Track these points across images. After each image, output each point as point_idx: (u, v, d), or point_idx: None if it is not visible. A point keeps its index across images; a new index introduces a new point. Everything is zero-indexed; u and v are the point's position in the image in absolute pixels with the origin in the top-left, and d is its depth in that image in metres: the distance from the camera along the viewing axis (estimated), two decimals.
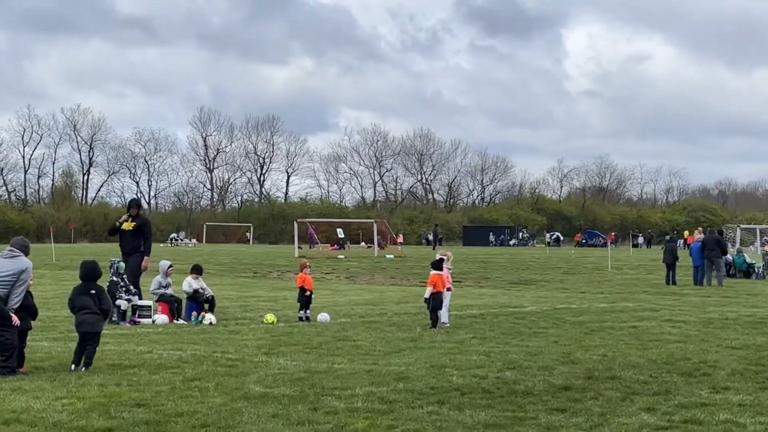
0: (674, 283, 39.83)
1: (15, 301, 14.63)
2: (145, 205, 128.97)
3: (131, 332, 20.39)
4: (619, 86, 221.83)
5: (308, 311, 23.16)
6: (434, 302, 21.28)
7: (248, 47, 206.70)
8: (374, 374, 14.65)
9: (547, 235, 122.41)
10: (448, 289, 22.05)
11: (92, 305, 15.06)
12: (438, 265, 21.76)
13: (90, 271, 15.45)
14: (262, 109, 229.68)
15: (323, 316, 22.99)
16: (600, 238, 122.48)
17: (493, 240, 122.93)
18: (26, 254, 15.16)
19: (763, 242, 67.89)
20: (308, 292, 23.27)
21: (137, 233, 23.67)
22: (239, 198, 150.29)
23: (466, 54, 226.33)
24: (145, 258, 23.50)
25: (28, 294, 15.15)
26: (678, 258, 41.57)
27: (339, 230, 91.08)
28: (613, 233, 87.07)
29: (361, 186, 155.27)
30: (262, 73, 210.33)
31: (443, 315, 21.63)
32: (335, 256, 70.02)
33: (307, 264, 24.21)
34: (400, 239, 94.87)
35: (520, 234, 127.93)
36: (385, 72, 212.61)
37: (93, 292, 15.19)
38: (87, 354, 14.93)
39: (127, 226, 23.72)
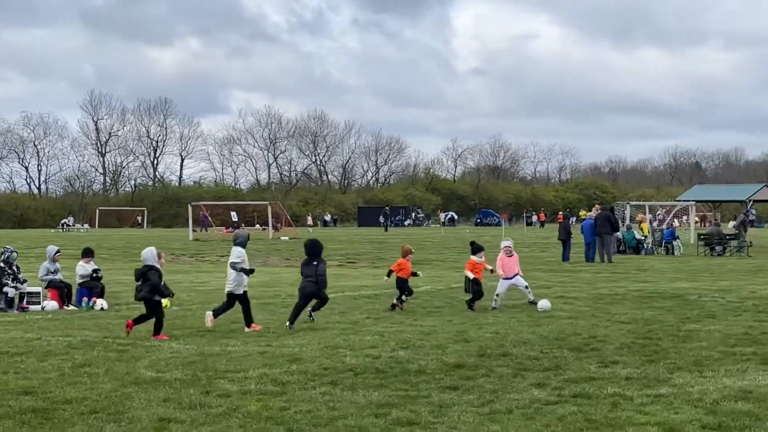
0: (567, 259, 40.33)
1: None
2: None
3: (19, 319, 20.03)
4: (508, 66, 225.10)
5: (407, 297, 21.84)
6: (476, 287, 21.37)
7: (132, 28, 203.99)
8: (267, 356, 14.61)
9: (442, 215, 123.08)
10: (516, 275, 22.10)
11: None
12: (476, 249, 21.92)
13: None
14: (152, 91, 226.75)
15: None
16: (494, 218, 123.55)
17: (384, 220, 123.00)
18: None
19: (653, 218, 69.10)
20: (406, 278, 21.85)
21: None
22: (133, 182, 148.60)
23: (354, 33, 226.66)
24: None
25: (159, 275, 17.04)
26: (571, 234, 42.15)
27: (233, 213, 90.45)
28: (506, 212, 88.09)
29: (256, 168, 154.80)
30: (148, 55, 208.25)
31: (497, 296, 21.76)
32: (230, 238, 69.43)
33: (412, 250, 22.85)
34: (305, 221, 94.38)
35: (414, 214, 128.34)
36: (274, 53, 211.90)
37: None
38: None
39: None
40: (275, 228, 79.29)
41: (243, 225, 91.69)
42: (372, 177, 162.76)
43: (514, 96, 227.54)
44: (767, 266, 36.48)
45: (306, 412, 10.70)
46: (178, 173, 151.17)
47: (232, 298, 18.39)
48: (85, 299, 22.21)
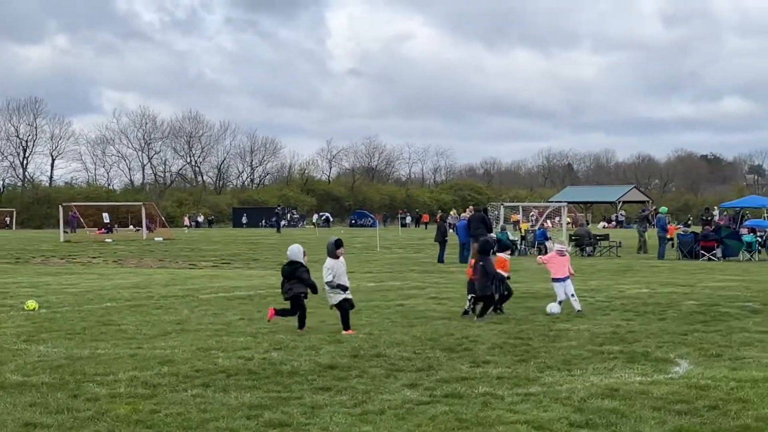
0: (442, 261, 40.61)
1: None
2: None
3: None
4: (384, 66, 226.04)
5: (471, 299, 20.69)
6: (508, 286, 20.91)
7: None
8: (138, 358, 14.42)
9: (315, 215, 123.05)
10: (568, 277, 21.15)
11: None
12: (503, 247, 21.98)
13: None
14: (21, 90, 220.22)
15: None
16: (369, 219, 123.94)
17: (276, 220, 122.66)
18: None
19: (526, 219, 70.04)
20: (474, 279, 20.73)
21: None
22: (1, 182, 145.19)
23: (228, 33, 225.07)
24: None
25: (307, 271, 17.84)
26: (447, 236, 42.47)
27: (105, 214, 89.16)
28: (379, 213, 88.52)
29: (130, 169, 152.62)
30: (16, 53, 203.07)
31: (574, 303, 20.87)
32: (102, 239, 68.76)
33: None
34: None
35: (289, 215, 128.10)
36: (147, 52, 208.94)
37: None
38: None
39: None
40: (149, 229, 78.47)
41: (116, 226, 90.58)
42: (247, 178, 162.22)
43: (389, 97, 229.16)
44: (635, 266, 37.28)
45: (177, 414, 10.59)
46: (48, 174, 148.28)
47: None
48: None
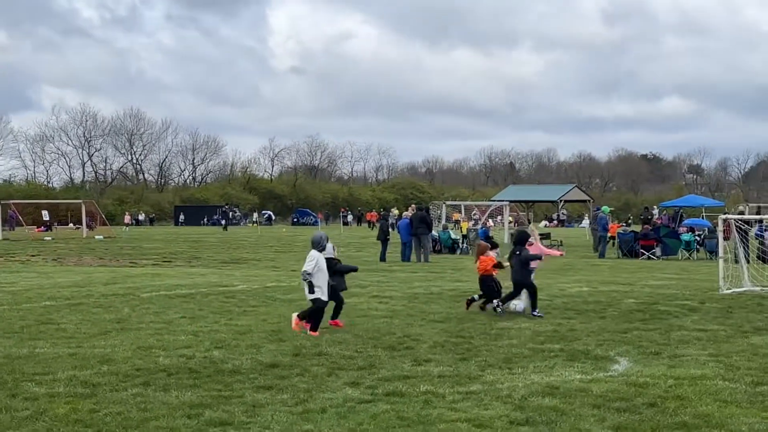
0: (384, 259, 40.65)
1: None
2: None
3: None
4: (326, 65, 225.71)
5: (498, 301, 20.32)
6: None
7: None
8: (78, 357, 14.30)
9: (255, 214, 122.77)
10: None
11: None
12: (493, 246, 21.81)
13: None
14: None
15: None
16: (311, 217, 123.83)
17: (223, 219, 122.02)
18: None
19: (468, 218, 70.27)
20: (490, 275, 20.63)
21: None
22: None
23: (169, 30, 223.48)
24: None
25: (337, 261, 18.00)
26: (389, 234, 42.51)
27: (44, 212, 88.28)
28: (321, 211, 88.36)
29: (70, 166, 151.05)
30: None
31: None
32: (41, 237, 68.15)
33: (488, 246, 21.59)
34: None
35: (231, 213, 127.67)
36: (86, 48, 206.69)
37: None
38: None
39: None
40: (89, 227, 77.84)
41: (56, 224, 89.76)
42: (189, 176, 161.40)
43: (331, 95, 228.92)
44: (576, 265, 37.53)
45: (116, 414, 10.52)
46: None
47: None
48: None
